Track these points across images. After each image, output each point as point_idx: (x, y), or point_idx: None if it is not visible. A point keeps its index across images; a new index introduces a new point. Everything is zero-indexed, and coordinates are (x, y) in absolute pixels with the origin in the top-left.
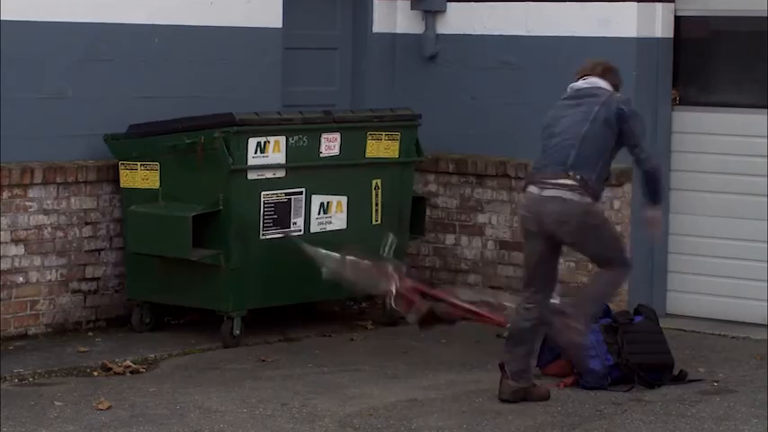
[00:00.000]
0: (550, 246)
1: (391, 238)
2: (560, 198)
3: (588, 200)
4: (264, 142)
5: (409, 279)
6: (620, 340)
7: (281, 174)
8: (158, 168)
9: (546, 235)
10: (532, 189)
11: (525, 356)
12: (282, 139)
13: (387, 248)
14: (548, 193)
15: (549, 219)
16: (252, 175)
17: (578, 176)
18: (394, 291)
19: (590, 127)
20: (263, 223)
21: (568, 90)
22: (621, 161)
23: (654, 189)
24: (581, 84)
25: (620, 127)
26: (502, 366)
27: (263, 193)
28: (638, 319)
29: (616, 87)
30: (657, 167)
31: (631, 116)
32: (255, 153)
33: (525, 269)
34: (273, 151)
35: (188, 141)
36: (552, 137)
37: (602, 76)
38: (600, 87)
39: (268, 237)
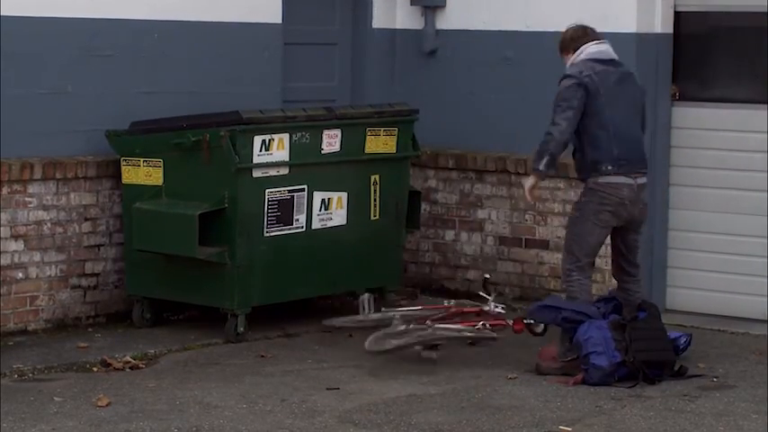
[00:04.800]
0: None
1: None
2: None
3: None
4: (269, 140)
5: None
6: (627, 337)
7: (284, 171)
8: (162, 165)
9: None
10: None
11: None
12: (286, 137)
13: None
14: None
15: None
16: (257, 173)
17: None
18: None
19: None
20: (267, 221)
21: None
22: None
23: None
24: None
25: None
26: None
27: (267, 190)
28: (641, 315)
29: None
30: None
31: None
32: (261, 151)
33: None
34: (278, 149)
35: (193, 139)
36: None
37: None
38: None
39: (271, 234)
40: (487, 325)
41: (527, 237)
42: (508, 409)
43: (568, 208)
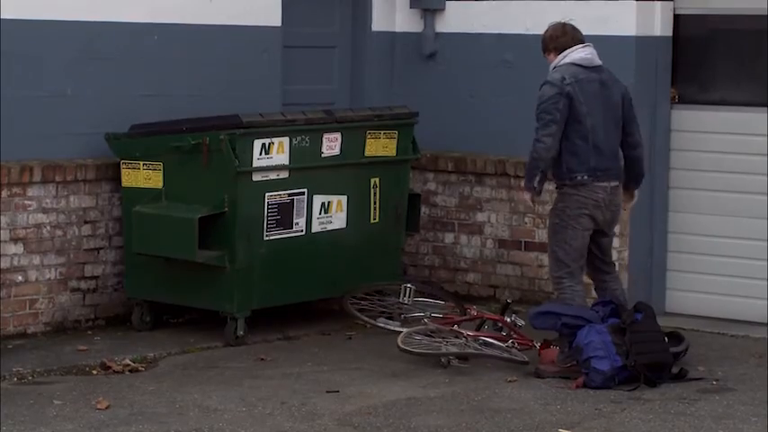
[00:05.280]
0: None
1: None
2: None
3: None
4: (269, 144)
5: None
6: (627, 341)
7: (284, 175)
8: (161, 168)
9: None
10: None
11: None
12: (286, 141)
13: None
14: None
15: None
16: (257, 177)
17: None
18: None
19: None
20: (267, 224)
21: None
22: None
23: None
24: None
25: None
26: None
27: (267, 194)
28: (638, 317)
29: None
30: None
31: None
32: (260, 155)
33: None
34: (278, 152)
35: (193, 142)
36: None
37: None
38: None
39: (271, 237)
40: (516, 344)
41: (526, 240)
42: (508, 412)
43: None
